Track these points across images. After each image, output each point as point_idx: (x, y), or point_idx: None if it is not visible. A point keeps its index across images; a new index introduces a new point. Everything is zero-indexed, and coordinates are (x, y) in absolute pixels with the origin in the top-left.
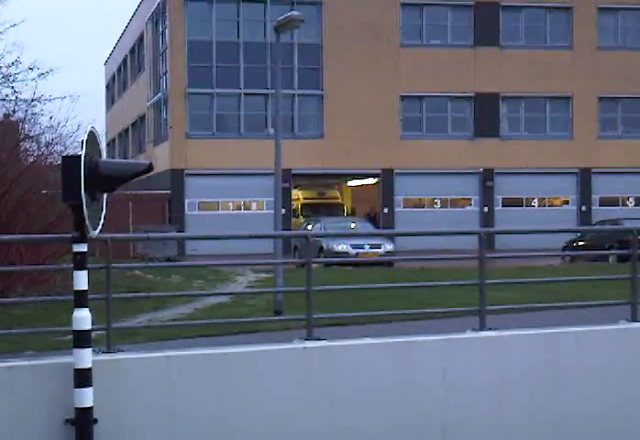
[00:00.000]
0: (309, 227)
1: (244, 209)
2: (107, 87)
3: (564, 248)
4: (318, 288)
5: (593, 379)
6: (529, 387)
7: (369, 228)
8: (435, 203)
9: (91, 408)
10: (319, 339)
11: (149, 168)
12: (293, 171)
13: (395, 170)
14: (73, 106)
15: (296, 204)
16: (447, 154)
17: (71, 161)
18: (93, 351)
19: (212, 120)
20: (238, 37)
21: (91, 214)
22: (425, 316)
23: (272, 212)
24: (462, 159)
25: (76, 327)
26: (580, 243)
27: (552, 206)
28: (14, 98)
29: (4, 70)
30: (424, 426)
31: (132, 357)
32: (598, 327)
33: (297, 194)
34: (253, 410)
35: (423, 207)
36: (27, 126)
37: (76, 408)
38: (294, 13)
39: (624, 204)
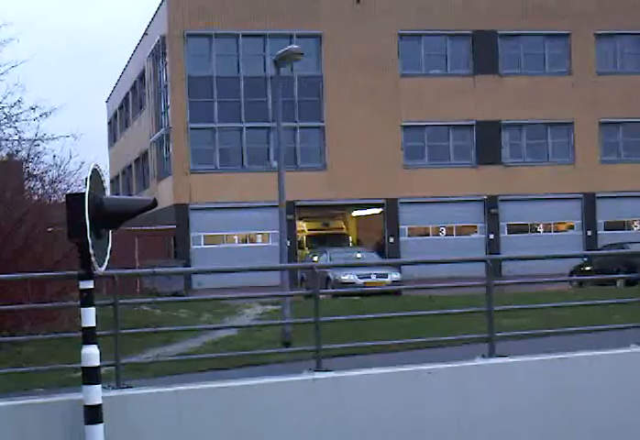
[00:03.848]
0: (315, 258)
1: (249, 242)
2: (109, 124)
3: (571, 274)
4: (326, 318)
5: (606, 403)
6: (541, 412)
7: (375, 258)
8: (441, 232)
9: None
10: (329, 370)
11: (154, 203)
12: (297, 203)
13: (399, 200)
14: (76, 144)
15: (301, 236)
16: (451, 182)
17: (75, 199)
18: (103, 387)
19: (214, 154)
20: (239, 71)
21: (96, 251)
22: (435, 344)
23: (277, 244)
24: (466, 187)
25: (85, 364)
26: (587, 268)
27: (557, 232)
28: (17, 138)
29: (6, 110)
30: None
31: (141, 392)
32: (609, 352)
33: (302, 226)
34: None
35: (428, 236)
36: (30, 164)
37: None
38: (294, 46)
39: (630, 228)
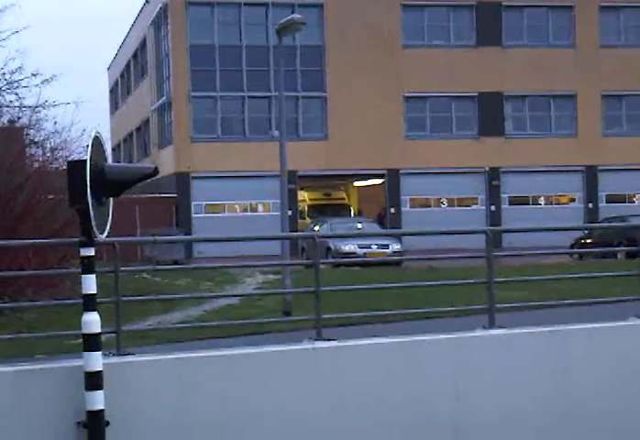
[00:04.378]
0: (316, 228)
1: (250, 211)
2: (111, 92)
3: (572, 246)
4: (326, 288)
5: (604, 375)
6: (540, 384)
7: (377, 229)
8: (442, 203)
9: (102, 410)
10: (329, 340)
11: (155, 171)
12: (299, 173)
13: (401, 171)
14: (78, 112)
15: (303, 206)
16: (453, 154)
17: (76, 166)
18: (104, 354)
19: (216, 123)
20: (241, 40)
21: (97, 219)
22: (435, 315)
23: (279, 214)
24: (467, 159)
25: (86, 331)
26: (588, 241)
27: (559, 204)
28: (18, 104)
29: (7, 76)
30: (435, 425)
31: (142, 359)
32: (608, 324)
33: (303, 196)
34: (263, 410)
35: (429, 207)
36: (31, 131)
37: (87, 411)
38: (296, 16)
39: (631, 201)
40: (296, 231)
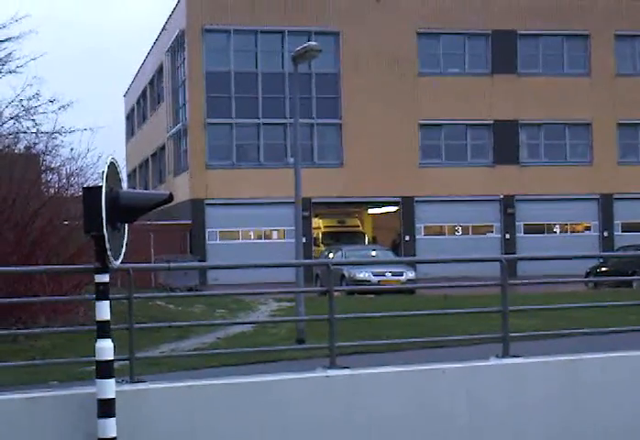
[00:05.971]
0: (330, 256)
1: (265, 238)
2: (127, 118)
3: (587, 275)
4: (340, 316)
5: (618, 405)
6: (553, 414)
7: (391, 256)
8: (457, 231)
9: (114, 438)
10: (342, 368)
11: (170, 198)
12: (313, 200)
13: (415, 198)
14: (94, 138)
15: (317, 233)
16: (467, 181)
17: (92, 192)
18: (117, 381)
19: (231, 150)
20: (257, 67)
21: (112, 245)
22: (449, 344)
23: (293, 240)
24: (482, 187)
25: (99, 358)
26: (603, 269)
27: (574, 233)
28: (35, 131)
29: (25, 103)
30: None
31: (155, 386)
32: (622, 354)
33: (318, 223)
34: (276, 439)
35: (444, 235)
36: (48, 158)
37: (99, 438)
38: (312, 43)
39: None
40: (310, 258)
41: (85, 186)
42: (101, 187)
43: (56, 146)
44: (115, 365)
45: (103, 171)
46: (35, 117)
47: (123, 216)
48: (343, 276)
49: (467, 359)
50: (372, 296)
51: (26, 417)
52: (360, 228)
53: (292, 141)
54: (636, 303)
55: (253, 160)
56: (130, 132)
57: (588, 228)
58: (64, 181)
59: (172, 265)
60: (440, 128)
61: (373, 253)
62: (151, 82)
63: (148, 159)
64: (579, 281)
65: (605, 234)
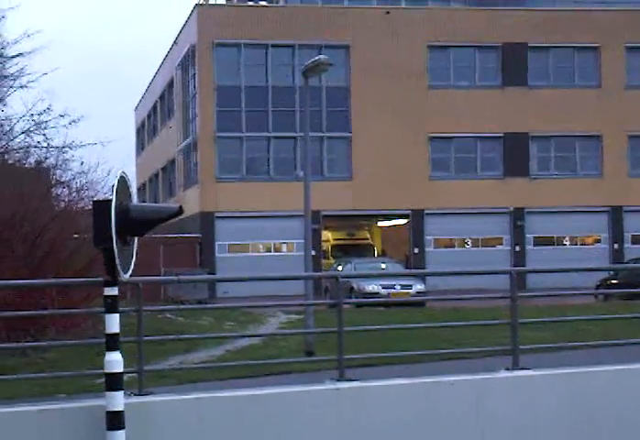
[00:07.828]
0: (339, 268)
1: (274, 251)
2: (137, 132)
3: (597, 287)
4: (349, 328)
5: (628, 418)
6: (563, 427)
7: (400, 269)
8: (466, 243)
9: None
10: (351, 380)
11: (180, 211)
12: (323, 213)
13: (425, 211)
14: (104, 152)
15: (326, 246)
16: (477, 194)
17: (101, 206)
18: (125, 394)
19: (241, 163)
20: (267, 81)
21: (122, 258)
22: (458, 356)
23: (302, 253)
24: (492, 199)
25: (108, 370)
26: (614, 281)
27: (584, 245)
28: (45, 145)
29: (36, 117)
30: None
31: (163, 399)
32: (633, 366)
33: (327, 236)
34: None
35: (453, 247)
36: (58, 172)
37: None
38: (322, 57)
39: None
40: (320, 271)
41: (95, 199)
42: (111, 200)
43: (66, 160)
44: (124, 377)
45: (113, 185)
46: (45, 132)
47: (133, 230)
48: (352, 288)
49: (476, 372)
50: (382, 309)
51: (35, 429)
52: (370, 241)
53: (302, 154)
54: None
55: (263, 174)
56: (140, 146)
57: (598, 241)
58: (74, 194)
59: (181, 278)
60: (450, 141)
61: (383, 266)
62: (162, 97)
63: (158, 173)
64: (589, 294)
65: (615, 246)
